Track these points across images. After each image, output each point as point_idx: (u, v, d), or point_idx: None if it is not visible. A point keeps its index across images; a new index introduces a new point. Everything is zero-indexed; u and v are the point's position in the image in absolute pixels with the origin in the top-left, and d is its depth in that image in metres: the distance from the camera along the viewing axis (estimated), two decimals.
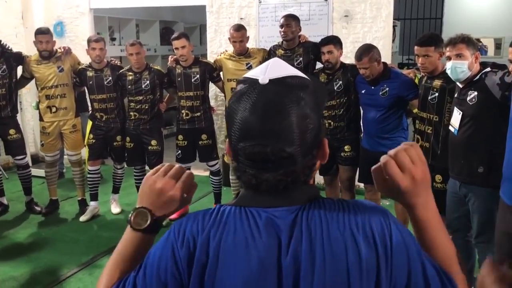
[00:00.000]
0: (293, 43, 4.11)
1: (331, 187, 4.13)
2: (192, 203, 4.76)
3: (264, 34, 5.32)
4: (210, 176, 4.68)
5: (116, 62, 4.71)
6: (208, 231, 0.83)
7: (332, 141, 3.78)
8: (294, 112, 0.80)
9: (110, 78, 4.41)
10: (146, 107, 4.33)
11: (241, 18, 5.34)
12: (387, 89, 3.53)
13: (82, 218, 4.60)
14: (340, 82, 3.79)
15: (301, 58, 4.09)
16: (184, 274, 0.82)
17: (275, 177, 0.81)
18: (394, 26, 5.71)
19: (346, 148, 3.86)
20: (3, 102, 4.45)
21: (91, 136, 4.56)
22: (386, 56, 4.62)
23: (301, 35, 4.16)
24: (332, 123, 3.81)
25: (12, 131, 4.57)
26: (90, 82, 4.46)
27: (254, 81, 0.82)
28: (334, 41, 3.77)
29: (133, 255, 0.92)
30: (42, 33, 4.47)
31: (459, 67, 2.76)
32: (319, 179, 4.49)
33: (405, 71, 3.78)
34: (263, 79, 0.82)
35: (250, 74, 0.86)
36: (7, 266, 3.69)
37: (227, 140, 0.87)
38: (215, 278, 0.80)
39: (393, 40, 5.77)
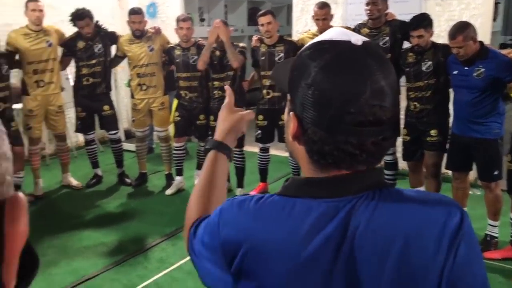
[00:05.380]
0: (379, 22, 3.93)
1: (415, 174, 3.94)
2: (271, 183, 4.79)
3: (352, 12, 5.14)
4: (290, 157, 4.67)
5: (203, 42, 4.80)
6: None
7: (418, 125, 3.60)
8: (393, 71, 0.76)
9: (196, 57, 4.51)
10: (228, 84, 4.39)
11: None
12: (483, 69, 3.26)
13: (168, 192, 4.81)
14: (430, 62, 3.56)
15: (387, 38, 3.89)
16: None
17: (376, 142, 0.74)
18: (497, 3, 5.26)
19: (433, 132, 3.64)
20: (98, 79, 4.75)
21: (177, 114, 4.72)
22: (485, 36, 4.27)
23: (388, 13, 3.96)
24: (418, 105, 3.61)
25: (106, 107, 4.86)
26: (177, 60, 4.60)
27: (342, 44, 0.75)
28: (424, 23, 3.53)
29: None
30: (135, 13, 4.68)
31: None
32: (403, 164, 4.30)
33: (504, 51, 3.47)
34: (356, 40, 0.76)
35: (324, 38, 0.78)
36: (99, 233, 3.97)
37: (295, 118, 0.78)
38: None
39: (495, 19, 5.31)
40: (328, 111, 0.73)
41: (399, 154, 4.08)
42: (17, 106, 4.72)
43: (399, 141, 3.91)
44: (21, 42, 4.45)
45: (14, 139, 4.44)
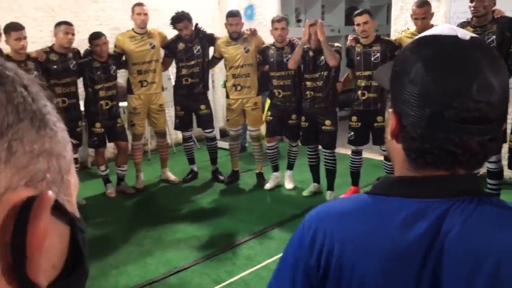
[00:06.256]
0: (485, 20, 3.66)
1: None
2: (363, 187, 4.67)
3: (456, 10, 4.85)
4: (385, 161, 4.51)
5: (298, 41, 4.81)
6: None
7: None
8: (506, 69, 0.71)
9: (290, 55, 4.51)
10: (321, 85, 4.36)
11: None
12: None
13: (267, 186, 4.93)
14: None
15: (493, 36, 3.61)
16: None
17: (482, 142, 0.69)
18: None
19: None
20: (196, 80, 4.94)
21: (269, 113, 4.78)
22: None
23: (496, 9, 3.68)
24: None
25: (202, 107, 5.05)
26: (271, 59, 4.65)
27: (447, 38, 0.72)
28: None
29: None
30: (232, 16, 4.81)
31: None
32: (508, 173, 3.98)
33: None
34: (464, 35, 0.72)
35: (429, 33, 0.76)
36: (192, 226, 4.14)
37: (394, 114, 0.75)
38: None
39: None
40: (428, 106, 0.70)
41: (504, 162, 3.77)
42: (122, 104, 5.07)
43: (505, 147, 3.61)
44: (127, 44, 4.76)
45: (119, 134, 4.79)
